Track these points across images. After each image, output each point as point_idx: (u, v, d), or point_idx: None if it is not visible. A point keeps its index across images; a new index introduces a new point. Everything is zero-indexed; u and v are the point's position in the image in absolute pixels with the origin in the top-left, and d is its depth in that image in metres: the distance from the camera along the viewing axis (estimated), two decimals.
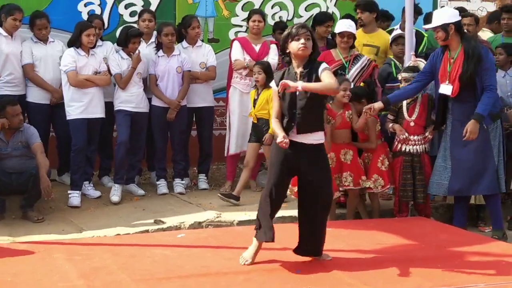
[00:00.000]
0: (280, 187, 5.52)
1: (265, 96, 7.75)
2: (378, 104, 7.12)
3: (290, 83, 5.22)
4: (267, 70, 7.79)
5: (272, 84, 5.56)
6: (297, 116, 5.36)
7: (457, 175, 7.12)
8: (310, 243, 5.66)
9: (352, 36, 7.78)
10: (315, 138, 5.46)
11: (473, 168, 7.06)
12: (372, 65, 7.92)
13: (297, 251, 5.73)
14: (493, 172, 7.04)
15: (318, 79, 5.35)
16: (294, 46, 5.38)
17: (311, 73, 5.39)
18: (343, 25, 7.80)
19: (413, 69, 7.46)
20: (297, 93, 5.33)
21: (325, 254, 5.74)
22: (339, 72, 7.74)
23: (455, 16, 7.04)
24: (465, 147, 7.06)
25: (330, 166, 7.15)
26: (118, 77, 8.01)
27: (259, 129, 7.87)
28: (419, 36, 8.85)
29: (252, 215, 6.51)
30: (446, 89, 7.08)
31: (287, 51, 5.46)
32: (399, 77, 7.50)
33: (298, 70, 5.42)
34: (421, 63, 7.55)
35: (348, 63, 7.79)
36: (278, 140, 5.28)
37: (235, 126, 8.39)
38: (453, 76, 7.00)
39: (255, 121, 7.90)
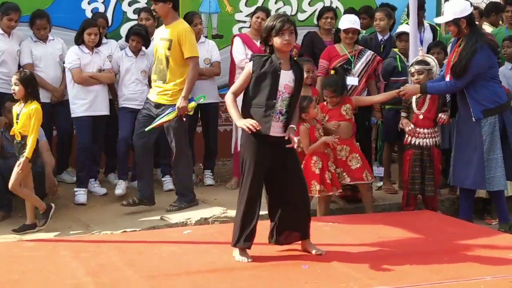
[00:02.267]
0: (260, 187, 5.54)
1: (27, 112, 6.78)
2: (415, 89, 7.22)
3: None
4: (26, 81, 6.83)
5: (249, 64, 5.53)
6: (286, 112, 5.44)
7: (454, 166, 7.21)
8: (300, 223, 5.68)
9: (356, 32, 7.77)
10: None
11: (463, 160, 7.10)
12: (377, 60, 7.92)
13: (278, 240, 5.73)
14: (479, 167, 6.99)
15: (301, 81, 5.54)
16: (278, 42, 5.38)
17: (296, 74, 5.48)
18: (347, 22, 7.78)
19: (425, 61, 7.44)
20: (283, 89, 5.41)
21: (319, 249, 5.71)
22: (346, 67, 7.74)
23: (467, 10, 7.00)
24: (457, 139, 7.12)
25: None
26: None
27: (21, 147, 6.85)
28: (433, 29, 8.88)
29: None
30: (447, 79, 7.12)
31: (270, 43, 5.45)
32: (412, 70, 7.45)
33: (283, 64, 5.44)
34: (429, 58, 7.53)
35: (353, 57, 7.78)
36: (249, 124, 5.28)
37: None
38: (451, 64, 7.04)
39: (19, 139, 6.84)
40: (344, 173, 7.23)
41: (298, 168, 5.73)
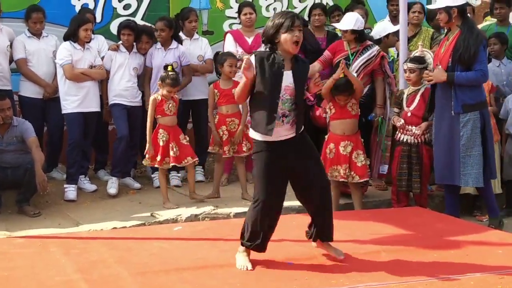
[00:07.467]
0: (277, 197, 5.30)
1: None
2: (441, 75, 6.93)
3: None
4: None
5: (252, 57, 5.14)
6: (291, 112, 5.18)
7: (435, 163, 7.20)
8: (320, 226, 5.52)
9: (352, 31, 7.70)
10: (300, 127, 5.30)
11: (441, 155, 7.09)
12: (380, 55, 7.83)
13: (309, 235, 5.64)
14: (455, 162, 6.96)
15: (305, 78, 5.26)
16: (288, 39, 5.03)
17: (300, 71, 5.21)
18: (341, 23, 7.79)
19: (419, 60, 7.37)
20: (283, 91, 5.10)
21: (339, 251, 5.56)
22: (346, 62, 7.72)
23: (460, 0, 6.96)
24: (436, 134, 7.11)
25: (328, 156, 7.22)
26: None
27: None
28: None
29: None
30: None
31: (276, 41, 5.12)
32: (404, 67, 7.43)
33: (286, 62, 5.14)
34: (428, 54, 7.52)
35: (355, 54, 7.74)
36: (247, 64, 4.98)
37: None
38: (442, 56, 6.98)
39: None
40: (352, 172, 7.23)
41: (319, 170, 5.44)
